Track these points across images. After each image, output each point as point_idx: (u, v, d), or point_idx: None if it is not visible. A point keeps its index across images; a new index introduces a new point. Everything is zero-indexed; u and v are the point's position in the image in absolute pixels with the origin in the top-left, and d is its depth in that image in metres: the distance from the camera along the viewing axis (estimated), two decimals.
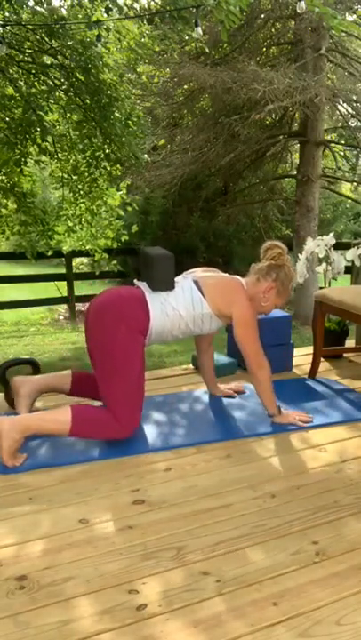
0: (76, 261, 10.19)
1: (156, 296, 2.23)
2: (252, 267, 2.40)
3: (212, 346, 2.61)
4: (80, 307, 9.02)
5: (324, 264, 3.18)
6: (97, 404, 2.28)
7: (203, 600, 1.36)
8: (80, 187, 5.83)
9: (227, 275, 2.43)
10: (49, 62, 4.90)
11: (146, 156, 6.60)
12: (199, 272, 2.41)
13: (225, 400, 2.59)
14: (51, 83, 4.88)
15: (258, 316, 2.35)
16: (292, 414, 2.37)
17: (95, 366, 2.18)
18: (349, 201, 9.96)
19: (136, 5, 5.11)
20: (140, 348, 2.17)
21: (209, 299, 2.25)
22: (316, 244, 3.15)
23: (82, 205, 6.01)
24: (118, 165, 5.82)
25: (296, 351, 3.21)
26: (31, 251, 6.34)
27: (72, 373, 2.41)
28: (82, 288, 9.48)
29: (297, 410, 2.46)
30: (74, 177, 5.79)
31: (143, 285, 2.30)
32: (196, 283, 2.29)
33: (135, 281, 2.37)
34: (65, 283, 8.38)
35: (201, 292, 2.26)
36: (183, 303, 2.23)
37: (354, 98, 7.03)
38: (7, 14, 4.53)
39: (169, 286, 2.26)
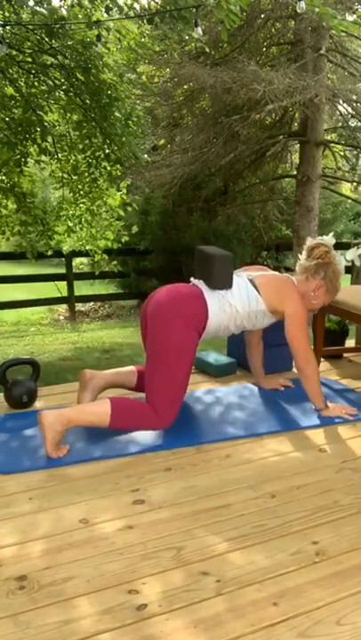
0: (76, 261, 10.19)
1: (214, 294, 2.30)
2: (299, 265, 2.48)
3: (261, 342, 2.66)
4: (80, 307, 9.02)
5: None
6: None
7: (203, 600, 1.36)
8: (80, 187, 5.83)
9: (278, 273, 2.52)
10: (49, 62, 4.89)
11: (146, 155, 6.60)
12: (252, 270, 2.48)
13: (225, 400, 2.59)
14: (51, 83, 4.88)
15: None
16: (339, 408, 2.41)
17: (147, 358, 2.23)
18: (349, 201, 9.93)
19: (136, 5, 5.11)
20: (193, 345, 2.23)
21: (264, 296, 2.34)
22: None
23: (82, 205, 6.02)
24: (118, 165, 5.82)
25: None
26: (31, 251, 6.35)
27: (137, 370, 2.46)
28: (82, 288, 9.48)
29: (298, 409, 2.46)
30: (74, 177, 5.79)
31: (200, 283, 2.36)
32: (251, 281, 2.37)
33: (192, 279, 2.42)
34: (65, 283, 8.38)
35: (256, 290, 2.34)
36: (240, 300, 2.31)
37: (354, 98, 7.00)
38: (7, 14, 4.53)
39: (227, 285, 2.32)
